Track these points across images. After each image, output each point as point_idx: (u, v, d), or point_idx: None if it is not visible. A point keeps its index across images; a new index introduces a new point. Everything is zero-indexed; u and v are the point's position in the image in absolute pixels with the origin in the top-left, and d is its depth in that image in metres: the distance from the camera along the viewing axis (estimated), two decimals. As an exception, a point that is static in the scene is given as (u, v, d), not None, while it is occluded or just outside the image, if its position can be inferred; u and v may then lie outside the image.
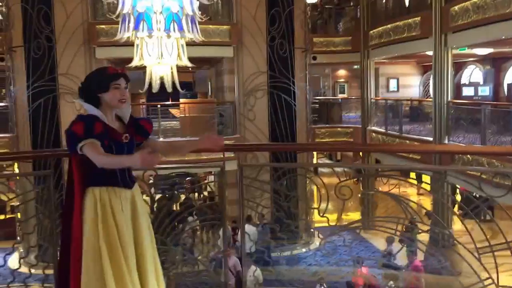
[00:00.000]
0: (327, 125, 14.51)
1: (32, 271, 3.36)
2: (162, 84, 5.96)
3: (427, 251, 9.79)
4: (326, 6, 15.32)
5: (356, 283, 8.28)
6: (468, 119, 8.96)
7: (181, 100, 12.98)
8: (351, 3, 16.93)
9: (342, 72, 19.35)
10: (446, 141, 9.51)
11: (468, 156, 8.06)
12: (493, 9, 7.65)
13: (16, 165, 11.13)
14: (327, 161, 23.12)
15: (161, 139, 10.91)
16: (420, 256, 10.40)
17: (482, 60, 14.36)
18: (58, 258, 2.47)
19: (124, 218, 2.34)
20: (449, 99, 9.63)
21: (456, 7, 8.74)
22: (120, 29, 5.68)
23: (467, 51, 11.54)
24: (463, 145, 8.78)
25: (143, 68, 14.07)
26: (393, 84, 18.10)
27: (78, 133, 2.23)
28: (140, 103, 18.14)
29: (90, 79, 2.38)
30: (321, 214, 3.29)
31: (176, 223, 3.62)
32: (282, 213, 3.90)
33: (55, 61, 10.62)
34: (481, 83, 14.43)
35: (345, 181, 3.10)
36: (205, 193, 15.77)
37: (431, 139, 10.10)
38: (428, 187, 16.16)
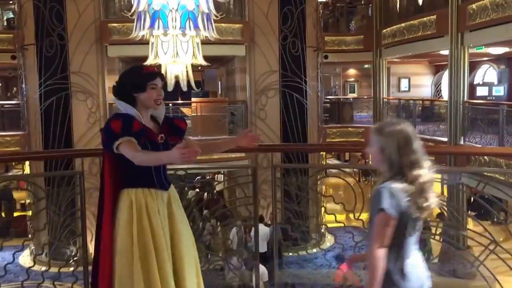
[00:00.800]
0: (338, 125, 14.37)
1: (43, 268, 3.31)
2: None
3: (441, 254, 9.69)
4: (338, 5, 15.18)
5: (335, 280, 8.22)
6: (485, 119, 8.79)
7: (193, 99, 12.93)
8: (362, 2, 16.80)
9: (352, 72, 19.20)
10: (462, 142, 9.35)
11: (485, 157, 7.91)
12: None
13: (27, 162, 11.16)
14: (336, 161, 23.00)
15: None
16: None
17: (496, 59, 14.14)
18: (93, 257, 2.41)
19: (160, 220, 2.26)
20: (465, 99, 9.47)
21: (474, 5, 8.58)
22: (136, 27, 5.63)
23: (481, 50, 11.36)
24: (479, 146, 8.63)
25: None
26: (404, 83, 17.93)
27: (116, 131, 2.16)
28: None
29: (126, 78, 2.31)
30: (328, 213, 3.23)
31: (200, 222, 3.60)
32: (292, 213, 3.86)
33: (67, 59, 10.61)
34: (495, 83, 14.21)
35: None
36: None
37: (445, 139, 9.95)
38: (438, 188, 16.16)
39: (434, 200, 1.86)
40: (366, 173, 14.20)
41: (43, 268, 3.29)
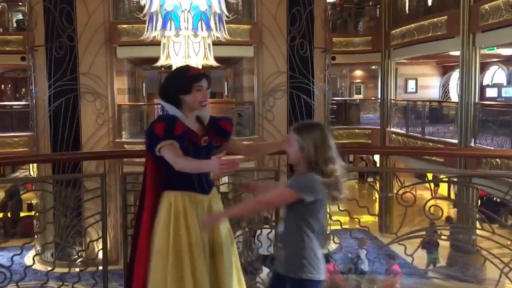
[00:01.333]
0: (345, 126, 14.33)
1: (49, 268, 3.30)
2: None
3: (449, 258, 9.62)
4: (346, 6, 15.14)
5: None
6: (497, 121, 8.72)
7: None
8: (370, 3, 16.74)
9: (358, 73, 19.14)
10: (473, 144, 9.27)
11: (497, 159, 7.84)
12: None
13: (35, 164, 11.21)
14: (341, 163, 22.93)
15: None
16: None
17: (505, 60, 14.04)
18: (129, 256, 2.40)
19: (199, 225, 2.21)
20: (476, 100, 9.40)
21: (486, 6, 8.50)
22: (147, 28, 5.66)
23: (491, 51, 11.27)
24: (491, 148, 8.56)
25: (158, 68, 14.06)
26: (411, 85, 17.81)
27: (158, 134, 2.15)
28: (155, 103, 18.23)
29: (171, 80, 2.29)
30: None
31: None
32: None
33: (77, 60, 10.66)
34: (505, 84, 14.11)
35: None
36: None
37: (455, 141, 9.87)
38: (445, 191, 16.06)
39: (346, 193, 2.10)
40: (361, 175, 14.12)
41: (49, 268, 3.27)
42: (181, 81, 2.23)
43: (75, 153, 8.74)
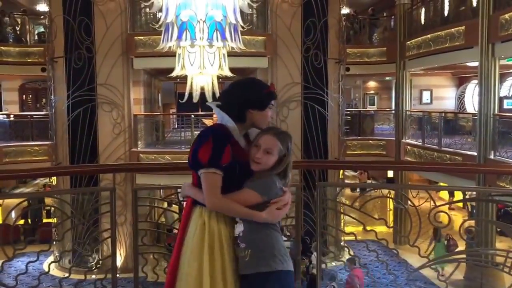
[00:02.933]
0: (359, 137, 14.24)
1: (66, 275, 3.31)
2: (189, 95, 5.95)
3: (467, 273, 9.40)
4: (360, 17, 15.17)
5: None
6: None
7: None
8: (385, 14, 16.74)
9: (372, 84, 19.09)
10: (492, 156, 9.10)
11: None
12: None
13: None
14: (352, 173, 22.80)
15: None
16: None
17: (523, 71, 13.84)
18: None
19: (233, 250, 2.05)
20: (496, 111, 9.24)
21: (506, 16, 8.36)
22: (163, 39, 5.74)
23: (509, 62, 11.11)
24: (511, 161, 8.40)
25: (174, 79, 14.25)
26: (426, 96, 17.68)
27: (202, 160, 1.99)
28: (171, 113, 18.45)
29: (245, 92, 2.11)
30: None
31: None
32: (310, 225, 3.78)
33: (95, 71, 10.89)
34: (523, 95, 13.89)
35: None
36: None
37: (473, 153, 9.69)
38: (460, 203, 15.76)
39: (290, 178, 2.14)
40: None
41: (66, 275, 3.28)
42: (258, 95, 2.09)
43: (87, 166, 8.85)
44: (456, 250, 9.48)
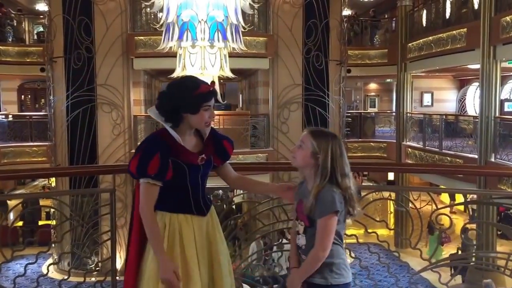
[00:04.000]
0: (359, 139, 14.19)
1: (65, 277, 3.25)
2: None
3: (468, 276, 9.33)
4: (361, 18, 15.14)
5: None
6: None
7: (215, 112, 12.95)
8: (386, 16, 16.70)
9: (373, 86, 19.05)
10: (493, 159, 9.04)
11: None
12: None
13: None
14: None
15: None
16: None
17: (525, 74, 13.80)
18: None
19: (196, 250, 2.03)
20: (497, 114, 9.20)
21: (508, 18, 8.31)
22: (164, 39, 5.69)
23: (510, 65, 11.07)
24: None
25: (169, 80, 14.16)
26: (427, 98, 17.65)
27: (132, 171, 1.99)
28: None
29: (175, 95, 1.99)
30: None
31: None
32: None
33: (94, 71, 10.82)
34: (524, 98, 13.86)
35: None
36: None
37: (474, 156, 9.64)
38: (461, 206, 15.70)
39: (360, 211, 2.02)
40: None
41: (65, 277, 3.22)
42: (188, 99, 1.97)
43: (86, 167, 8.80)
44: (459, 253, 9.40)
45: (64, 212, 7.10)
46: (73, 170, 4.27)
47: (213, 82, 2.05)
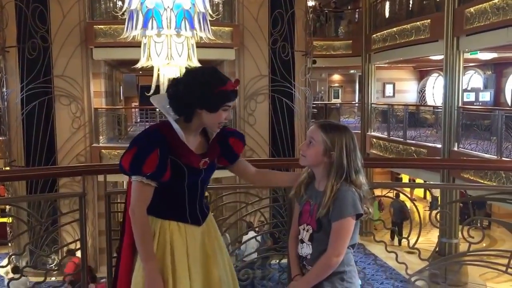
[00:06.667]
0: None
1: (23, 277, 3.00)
2: (156, 87, 5.65)
3: (431, 263, 9.63)
4: (325, 9, 15.17)
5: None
6: (480, 125, 8.75)
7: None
8: (349, 7, 16.83)
9: (336, 77, 19.24)
10: (456, 148, 9.29)
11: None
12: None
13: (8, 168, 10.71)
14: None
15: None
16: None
17: (482, 65, 14.29)
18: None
19: (188, 262, 1.82)
20: (460, 104, 9.43)
21: (471, 9, 8.48)
22: (127, 27, 5.40)
23: (469, 56, 11.41)
24: (475, 152, 8.59)
25: (135, 71, 13.71)
26: (389, 89, 18.01)
27: (124, 166, 1.76)
28: (134, 107, 17.83)
29: (197, 88, 1.74)
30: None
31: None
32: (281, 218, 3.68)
33: (51, 62, 10.24)
34: (482, 88, 14.36)
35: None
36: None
37: (439, 145, 9.88)
38: (421, 193, 16.23)
39: (372, 208, 1.86)
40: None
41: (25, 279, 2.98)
42: (209, 94, 1.73)
43: (48, 168, 8.29)
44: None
45: (21, 211, 6.67)
46: (35, 173, 3.85)
47: (237, 80, 1.81)
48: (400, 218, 12.08)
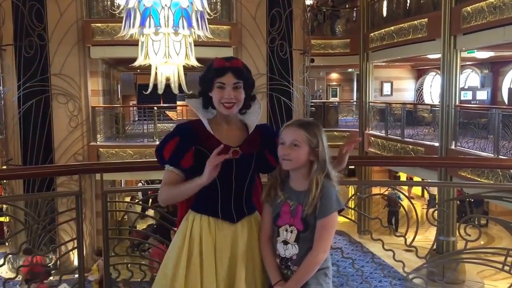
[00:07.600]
0: (324, 129, 14.27)
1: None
2: (154, 86, 5.64)
3: (429, 261, 9.67)
4: (322, 8, 15.18)
5: None
6: (477, 124, 8.76)
7: (178, 103, 12.63)
8: (347, 6, 16.84)
9: (334, 76, 19.27)
10: (453, 147, 9.30)
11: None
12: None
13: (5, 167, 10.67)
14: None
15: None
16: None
17: (479, 64, 14.32)
18: None
19: (215, 257, 1.81)
20: (457, 103, 9.45)
21: (468, 8, 8.50)
22: (124, 26, 5.35)
23: (466, 55, 11.43)
24: (472, 151, 8.60)
25: (133, 70, 13.68)
26: (387, 87, 18.05)
27: (165, 156, 1.87)
28: (132, 105, 17.80)
29: (204, 73, 1.88)
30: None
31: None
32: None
33: (48, 60, 10.20)
34: (479, 87, 14.38)
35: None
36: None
37: (436, 144, 9.89)
38: (419, 191, 16.27)
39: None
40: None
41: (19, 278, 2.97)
42: (205, 75, 1.85)
43: (45, 167, 8.27)
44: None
45: (18, 210, 6.65)
46: (31, 172, 3.82)
47: (237, 60, 1.86)
48: (395, 207, 12.69)
